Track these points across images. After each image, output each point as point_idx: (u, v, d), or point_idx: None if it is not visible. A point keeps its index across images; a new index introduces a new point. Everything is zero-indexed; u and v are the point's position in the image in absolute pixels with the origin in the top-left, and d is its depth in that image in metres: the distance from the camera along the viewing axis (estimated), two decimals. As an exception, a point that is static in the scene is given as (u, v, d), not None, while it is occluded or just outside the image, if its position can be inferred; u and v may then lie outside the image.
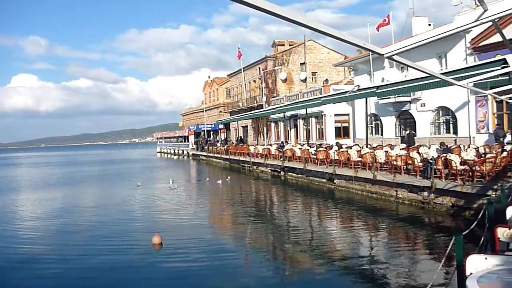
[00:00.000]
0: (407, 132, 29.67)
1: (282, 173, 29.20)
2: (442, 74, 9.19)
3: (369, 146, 25.42)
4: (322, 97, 28.01)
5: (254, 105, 53.60)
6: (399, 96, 28.39)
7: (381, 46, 3.27)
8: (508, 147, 17.44)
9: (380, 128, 33.48)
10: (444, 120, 27.65)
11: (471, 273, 3.91)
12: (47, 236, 14.64)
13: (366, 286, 9.06)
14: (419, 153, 18.81)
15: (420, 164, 17.28)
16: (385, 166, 20.03)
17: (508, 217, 6.09)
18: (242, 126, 61.32)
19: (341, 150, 23.96)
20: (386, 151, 21.00)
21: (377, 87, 22.17)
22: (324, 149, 25.83)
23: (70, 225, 16.16)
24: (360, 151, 22.83)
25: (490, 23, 3.35)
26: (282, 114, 39.69)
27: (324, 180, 23.37)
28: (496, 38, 21.60)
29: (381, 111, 32.57)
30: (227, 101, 68.64)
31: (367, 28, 32.94)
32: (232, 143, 52.24)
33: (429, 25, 31.57)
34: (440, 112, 27.91)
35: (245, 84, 58.69)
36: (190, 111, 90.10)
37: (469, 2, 24.76)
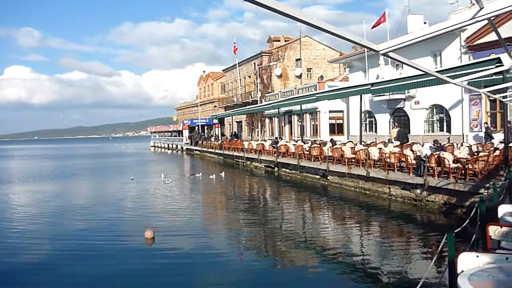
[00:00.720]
0: (398, 129, 29.79)
1: (276, 168, 29.22)
2: (437, 72, 9.22)
3: (363, 143, 25.47)
4: (317, 94, 28.04)
5: (249, 100, 53.55)
6: (394, 94, 28.46)
7: (377, 43, 3.26)
8: (500, 146, 17.52)
9: (374, 125, 33.56)
10: (438, 118, 27.75)
11: (462, 271, 3.92)
12: (37, 229, 14.57)
13: (358, 282, 9.08)
14: (412, 151, 18.88)
15: (414, 161, 17.34)
16: (378, 163, 20.09)
17: (499, 215, 6.12)
18: (237, 121, 61.27)
19: (335, 146, 24.00)
20: (380, 148, 21.08)
21: (372, 84, 22.25)
22: (318, 146, 25.86)
23: (61, 219, 16.08)
24: (354, 148, 22.89)
25: (485, 22, 3.35)
26: (276, 110, 39.71)
27: (317, 177, 23.40)
28: (491, 37, 21.67)
29: (375, 108, 32.64)
30: (222, 96, 68.51)
31: (363, 25, 33.01)
32: (226, 138, 52.17)
33: (425, 23, 31.62)
34: (434, 110, 28.01)
35: (240, 80, 58.59)
36: (184, 106, 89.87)
37: (465, 0, 24.85)
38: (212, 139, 56.81)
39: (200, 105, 73.19)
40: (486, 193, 12.54)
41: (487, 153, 15.79)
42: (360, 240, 12.80)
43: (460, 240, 6.97)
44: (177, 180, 27.86)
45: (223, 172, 29.51)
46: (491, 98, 21.55)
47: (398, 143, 24.47)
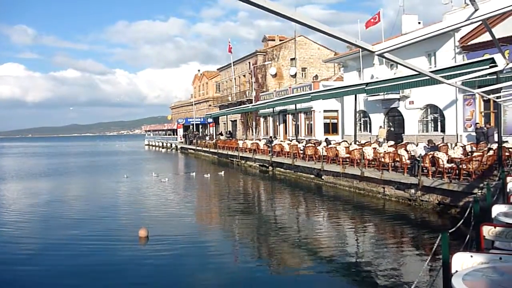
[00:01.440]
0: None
1: (270, 168, 29.22)
2: (431, 72, 9.24)
3: (357, 142, 25.52)
4: (311, 93, 28.06)
5: (244, 99, 53.52)
6: (388, 94, 28.51)
7: (372, 44, 3.26)
8: (494, 146, 17.61)
9: (368, 125, 33.63)
10: (432, 118, 27.84)
11: (456, 271, 3.93)
12: (30, 227, 14.52)
13: (353, 283, 9.11)
14: (406, 151, 18.93)
15: (408, 161, 17.39)
16: (373, 163, 20.14)
17: (493, 215, 6.14)
18: (231, 121, 61.21)
19: (329, 146, 24.03)
20: (374, 148, 21.12)
21: (366, 84, 22.29)
22: (313, 145, 25.88)
23: (55, 217, 16.03)
24: (348, 147, 22.92)
25: (479, 22, 3.36)
26: (271, 109, 39.71)
27: (312, 176, 23.43)
28: (485, 37, 21.76)
29: (370, 108, 32.70)
30: (217, 95, 68.42)
31: (356, 25, 32.95)
32: (222, 134, 52.17)
33: (419, 23, 31.72)
34: (428, 110, 28.09)
35: (234, 79, 58.53)
36: (179, 104, 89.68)
37: (459, 1, 24.95)
38: (207, 138, 56.73)
39: (194, 104, 73.04)
40: (480, 193, 12.60)
41: (481, 153, 15.86)
42: (354, 240, 12.83)
43: (455, 240, 7.00)
44: (172, 179, 27.79)
45: (223, 172, 29.49)
46: (485, 98, 21.62)
47: (392, 142, 24.54)
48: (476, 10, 2.87)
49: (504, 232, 4.99)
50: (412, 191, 15.98)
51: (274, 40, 56.45)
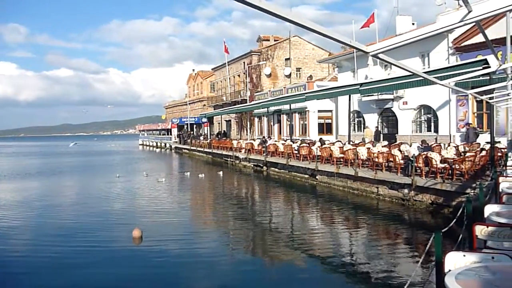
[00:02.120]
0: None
1: (264, 168, 29.23)
2: (424, 73, 9.29)
3: (351, 142, 25.59)
4: (306, 93, 28.10)
5: (238, 99, 53.51)
6: (382, 94, 28.62)
7: (366, 44, 3.28)
8: (487, 146, 17.72)
9: (362, 125, 33.72)
10: (426, 119, 27.98)
11: (449, 270, 3.96)
12: (22, 227, 14.43)
13: (346, 282, 9.14)
14: (400, 151, 19.00)
15: (401, 161, 17.46)
16: (366, 163, 20.20)
17: (486, 215, 6.18)
18: (226, 120, 61.18)
19: (323, 146, 24.07)
20: (368, 148, 21.18)
21: (361, 85, 22.35)
22: (307, 145, 25.92)
23: (47, 217, 15.94)
24: (342, 147, 22.97)
25: (473, 24, 3.39)
26: (266, 109, 39.73)
27: (306, 176, 23.47)
28: (478, 38, 21.89)
29: (364, 108, 32.79)
30: (211, 94, 68.34)
31: (351, 26, 33.31)
32: (220, 134, 52.16)
33: (413, 24, 31.87)
34: (422, 110, 28.22)
35: (229, 78, 58.49)
36: (173, 104, 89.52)
37: (453, 2, 25.06)
38: (201, 138, 56.66)
39: (189, 103, 72.93)
40: (472, 193, 12.67)
41: (474, 154, 15.96)
42: (348, 240, 12.87)
43: (447, 239, 7.04)
44: (166, 179, 27.74)
45: (221, 172, 29.48)
46: (477, 99, 21.76)
47: (386, 143, 24.64)
48: (469, 11, 2.89)
49: (496, 231, 5.03)
50: (406, 191, 16.05)
51: (268, 40, 56.48)
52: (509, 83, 12.53)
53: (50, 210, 17.54)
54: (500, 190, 8.07)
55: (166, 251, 11.17)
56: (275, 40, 55.66)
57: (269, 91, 46.06)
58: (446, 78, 12.48)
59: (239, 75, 57.19)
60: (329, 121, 38.90)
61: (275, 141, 34.08)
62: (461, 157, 15.94)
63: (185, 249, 11.41)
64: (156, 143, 78.55)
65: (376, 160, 18.75)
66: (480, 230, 5.07)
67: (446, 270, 4.02)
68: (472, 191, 13.00)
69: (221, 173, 29.19)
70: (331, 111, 38.41)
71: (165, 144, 71.44)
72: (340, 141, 27.66)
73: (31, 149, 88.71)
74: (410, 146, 20.59)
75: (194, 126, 68.91)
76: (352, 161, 19.97)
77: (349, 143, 24.82)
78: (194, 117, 67.60)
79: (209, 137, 54.97)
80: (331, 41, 2.77)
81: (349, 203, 17.68)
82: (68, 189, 24.98)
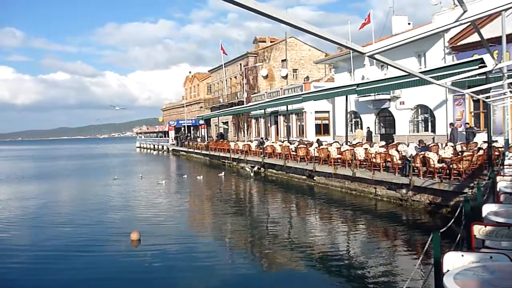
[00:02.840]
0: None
1: (262, 169, 29.21)
2: (421, 73, 9.30)
3: (348, 143, 25.61)
4: (302, 94, 28.12)
5: (235, 101, 53.53)
6: (379, 94, 28.68)
7: (362, 45, 3.27)
8: (484, 146, 17.76)
9: (360, 126, 33.76)
10: (423, 118, 28.04)
11: (448, 270, 3.95)
12: (19, 230, 14.40)
13: (345, 283, 9.12)
14: (398, 151, 19.02)
15: (399, 161, 17.48)
16: (364, 163, 20.21)
17: (484, 214, 6.18)
18: (223, 122, 61.18)
19: (321, 147, 24.07)
20: (366, 149, 21.19)
21: (357, 85, 22.39)
22: (304, 146, 25.92)
23: (45, 220, 15.90)
24: (340, 148, 22.98)
25: (468, 23, 3.39)
26: (263, 111, 39.74)
27: (304, 177, 23.47)
28: (474, 38, 21.95)
29: (361, 109, 32.85)
30: (208, 96, 68.35)
31: (346, 26, 33.48)
32: (212, 139, 52.06)
33: (409, 23, 31.95)
34: (419, 110, 28.28)
35: (226, 80, 58.51)
36: (170, 106, 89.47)
37: (448, 2, 25.13)
38: (198, 139, 56.62)
39: (186, 105, 72.92)
40: (470, 193, 12.69)
41: (471, 153, 15.98)
42: (346, 241, 12.86)
43: (446, 239, 7.04)
44: (164, 181, 27.68)
45: (223, 173, 29.47)
46: (474, 99, 21.82)
47: (383, 143, 24.66)
48: (465, 11, 2.89)
49: (494, 231, 5.03)
50: (404, 191, 16.06)
51: (265, 41, 56.55)
52: (505, 82, 12.55)
53: (48, 213, 17.46)
54: (498, 190, 8.08)
55: (164, 254, 11.13)
56: (271, 42, 55.71)
57: (266, 92, 46.11)
58: (443, 77, 12.51)
59: (235, 77, 57.22)
60: (326, 122, 38.95)
61: (273, 142, 34.08)
62: (459, 156, 15.97)
63: (184, 251, 11.37)
64: (154, 145, 78.50)
65: (374, 160, 18.76)
66: (478, 230, 5.07)
67: (444, 270, 4.02)
68: (470, 190, 13.03)
69: (222, 174, 29.17)
70: (328, 112, 38.45)
71: (163, 146, 71.40)
72: (338, 142, 27.67)
73: (28, 153, 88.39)
74: (408, 146, 20.62)
75: (191, 128, 68.89)
76: (350, 161, 19.97)
77: (346, 144, 24.84)
78: (191, 119, 67.56)
79: (206, 139, 54.94)
80: (327, 42, 2.77)
81: (347, 204, 17.67)
82: (66, 192, 24.90)
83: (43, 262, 10.77)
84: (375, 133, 31.54)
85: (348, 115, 29.72)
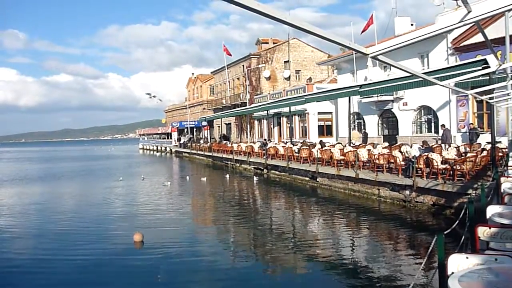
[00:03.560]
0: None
1: (265, 171, 29.20)
2: (424, 73, 9.27)
3: (351, 144, 25.56)
4: (305, 95, 28.12)
5: (238, 102, 53.54)
6: (382, 95, 28.62)
7: (365, 46, 3.26)
8: (488, 147, 17.69)
9: (363, 127, 33.71)
10: (426, 119, 27.96)
11: (452, 273, 3.93)
12: (24, 232, 14.42)
13: (348, 285, 9.09)
14: (401, 152, 18.96)
15: (402, 163, 17.42)
16: (367, 164, 20.15)
17: (488, 216, 6.15)
18: (226, 124, 61.20)
19: (324, 148, 24.04)
20: (369, 150, 21.14)
21: (360, 86, 22.36)
22: (307, 147, 25.88)
23: (49, 222, 15.93)
24: (343, 149, 22.93)
25: (472, 24, 3.37)
26: (265, 112, 39.73)
27: (307, 178, 23.43)
28: (477, 38, 21.89)
29: (364, 110, 32.79)
30: (211, 98, 68.42)
31: (347, 27, 33.40)
32: (215, 140, 52.11)
33: (412, 24, 31.89)
34: (422, 111, 28.21)
35: (228, 82, 58.54)
36: (173, 108, 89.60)
37: (451, 2, 25.07)
38: (201, 141, 56.65)
39: (189, 107, 73.00)
40: (474, 194, 12.65)
41: (475, 154, 15.92)
42: (350, 243, 12.83)
43: (450, 241, 7.02)
44: (169, 183, 27.69)
45: (227, 175, 29.51)
46: (478, 99, 21.75)
47: (386, 144, 24.62)
48: (469, 12, 2.87)
49: (499, 233, 5.00)
50: (407, 192, 16.02)
51: (267, 43, 56.56)
52: (509, 83, 12.52)
53: (52, 213, 17.50)
54: (502, 191, 8.03)
55: (167, 255, 11.10)
56: (274, 43, 55.71)
57: (269, 93, 46.09)
58: (446, 78, 12.48)
59: (238, 78, 57.24)
60: (329, 123, 38.89)
61: (275, 143, 34.07)
62: (462, 157, 15.91)
63: (187, 253, 11.35)
64: (157, 147, 78.60)
65: (377, 161, 18.71)
66: (483, 232, 5.03)
67: (449, 272, 3.99)
68: (474, 191, 12.97)
69: (227, 176, 29.18)
70: (331, 113, 38.40)
71: (166, 148, 71.47)
72: (341, 143, 27.63)
73: (31, 154, 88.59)
74: (411, 147, 20.56)
75: (194, 129, 68.97)
76: (353, 163, 19.93)
77: (349, 145, 24.80)
78: (194, 121, 67.61)
79: (209, 141, 54.96)
80: (330, 43, 2.76)
81: (350, 205, 17.63)
82: (71, 192, 24.91)
83: (44, 262, 10.77)
84: (378, 134, 31.48)
85: (351, 116, 29.68)
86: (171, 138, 70.68)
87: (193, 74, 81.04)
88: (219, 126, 63.48)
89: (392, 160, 18.17)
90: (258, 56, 52.65)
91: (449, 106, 25.45)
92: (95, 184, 28.71)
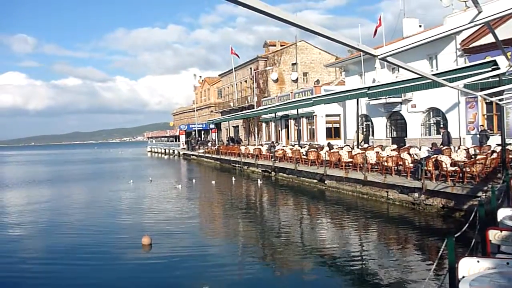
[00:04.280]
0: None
1: (273, 173, 29.15)
2: (433, 75, 9.20)
3: (360, 146, 25.45)
4: (313, 98, 28.05)
5: (245, 105, 53.55)
6: (390, 97, 28.47)
7: (373, 47, 3.23)
8: (498, 149, 17.53)
9: (371, 129, 33.57)
10: (435, 121, 27.78)
11: (463, 277, 3.88)
12: (34, 234, 14.50)
13: None
14: (409, 154, 18.84)
15: (411, 165, 17.31)
16: (376, 167, 20.04)
17: (499, 219, 6.09)
18: (233, 126, 61.23)
19: (332, 150, 23.96)
20: (377, 152, 21.03)
21: (368, 88, 22.25)
22: (315, 150, 25.81)
23: (58, 224, 15.99)
24: (351, 151, 22.84)
25: (481, 25, 3.33)
26: (273, 114, 39.68)
27: (315, 181, 23.36)
28: (486, 39, 21.73)
29: (372, 112, 32.65)
30: (218, 101, 68.50)
31: (355, 29, 33.28)
32: (223, 143, 52.14)
33: (420, 26, 31.75)
34: (431, 113, 28.03)
35: (236, 84, 58.58)
36: (181, 111, 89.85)
37: (460, 4, 24.90)
38: (209, 144, 56.73)
39: (196, 110, 73.15)
40: (484, 196, 12.53)
41: (485, 156, 15.78)
42: (359, 246, 12.75)
43: (460, 244, 6.94)
44: (180, 186, 27.72)
45: (233, 178, 29.65)
46: (487, 101, 21.58)
47: (395, 146, 24.47)
48: (479, 12, 2.84)
49: (510, 236, 4.94)
50: (416, 195, 15.90)
51: (275, 45, 56.55)
52: (519, 84, 12.40)
53: (62, 216, 17.60)
54: (513, 193, 7.96)
55: (175, 258, 11.10)
56: (281, 45, 55.70)
57: (276, 96, 46.06)
58: (455, 80, 12.37)
59: (246, 81, 57.26)
60: (337, 125, 38.78)
61: (283, 146, 34.02)
62: (472, 160, 15.77)
63: (195, 257, 11.33)
64: (165, 150, 78.86)
65: (386, 164, 18.61)
66: (494, 235, 4.98)
67: (459, 276, 3.95)
68: (484, 194, 12.86)
69: (234, 179, 29.25)
70: (339, 115, 38.29)
71: (173, 150, 71.67)
72: (349, 146, 27.53)
73: (41, 157, 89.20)
74: (420, 149, 20.42)
75: (202, 132, 69.13)
76: (361, 165, 19.84)
77: (357, 147, 24.69)
78: (202, 124, 67.78)
79: (217, 143, 55.00)
80: (337, 45, 2.74)
81: (358, 208, 17.55)
82: (81, 195, 25.00)
83: (53, 264, 10.80)
84: (386, 137, 31.32)
85: (359, 119, 29.56)
86: (179, 141, 70.88)
87: (200, 77, 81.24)
88: (226, 129, 63.54)
89: (401, 163, 18.06)
90: (266, 59, 52.66)
91: (458, 107, 25.27)
92: (105, 186, 28.79)
